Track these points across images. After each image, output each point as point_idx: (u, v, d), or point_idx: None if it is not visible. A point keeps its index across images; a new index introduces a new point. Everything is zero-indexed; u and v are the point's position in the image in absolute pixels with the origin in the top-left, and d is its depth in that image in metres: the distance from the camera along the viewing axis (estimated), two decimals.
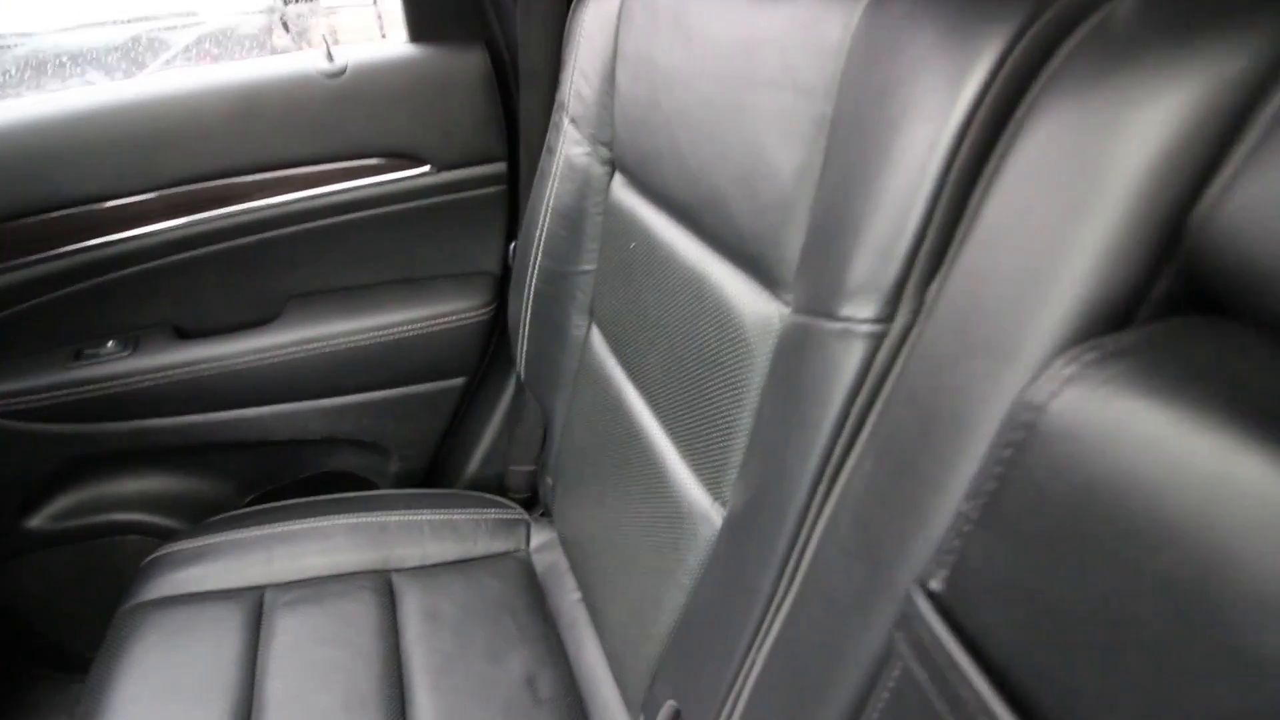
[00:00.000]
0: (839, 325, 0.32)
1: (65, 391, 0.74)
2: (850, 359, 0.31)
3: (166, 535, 0.78)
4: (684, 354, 0.48)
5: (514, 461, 0.93)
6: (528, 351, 0.79)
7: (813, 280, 0.35)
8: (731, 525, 0.41)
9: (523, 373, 0.81)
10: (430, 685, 0.64)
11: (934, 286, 0.29)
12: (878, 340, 0.31)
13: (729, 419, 0.43)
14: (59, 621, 0.84)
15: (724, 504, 0.45)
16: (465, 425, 0.97)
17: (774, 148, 0.38)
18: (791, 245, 0.38)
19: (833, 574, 0.30)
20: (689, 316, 0.48)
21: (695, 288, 0.47)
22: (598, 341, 0.68)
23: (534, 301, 0.75)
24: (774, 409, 0.37)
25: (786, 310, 0.38)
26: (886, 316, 0.30)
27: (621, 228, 0.61)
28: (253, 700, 0.59)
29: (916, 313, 0.30)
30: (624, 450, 0.59)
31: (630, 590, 0.57)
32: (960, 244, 0.27)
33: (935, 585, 0.24)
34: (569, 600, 0.76)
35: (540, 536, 0.84)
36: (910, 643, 0.24)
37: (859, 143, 0.32)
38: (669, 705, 0.50)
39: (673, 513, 0.50)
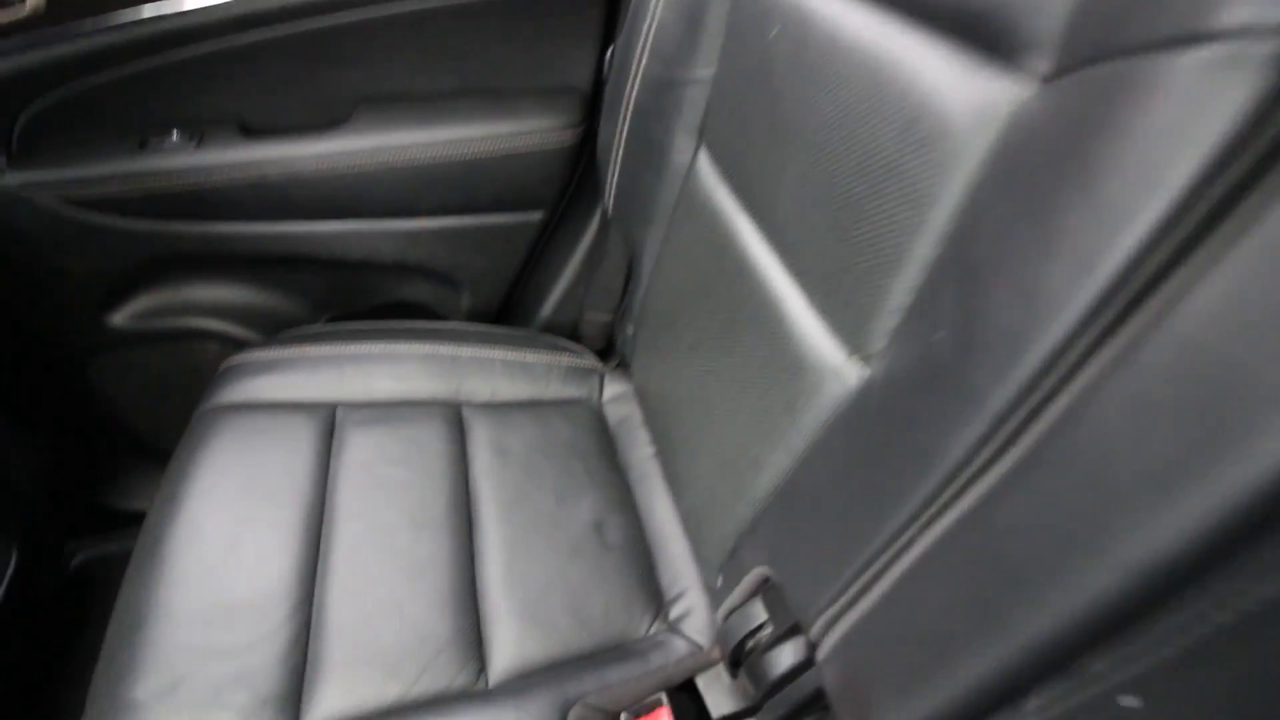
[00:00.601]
0: (1217, 50, 0.19)
1: (134, 183, 0.70)
2: (1233, 96, 0.18)
3: (243, 345, 0.77)
4: (837, 169, 0.38)
5: (590, 309, 0.86)
6: (618, 180, 0.69)
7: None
8: (889, 383, 0.32)
9: (610, 205, 0.72)
10: (498, 517, 0.62)
11: None
12: None
13: (896, 249, 0.33)
14: (143, 417, 0.87)
15: (865, 359, 0.36)
16: (541, 265, 0.90)
17: None
18: None
19: (1120, 438, 0.20)
20: (855, 116, 0.36)
21: (869, 75, 0.35)
22: (705, 168, 0.57)
23: (631, 116, 0.63)
24: (1005, 220, 0.26)
25: (1030, 79, 0.26)
26: None
27: (759, 11, 0.48)
28: (324, 508, 0.59)
29: None
30: (729, 293, 0.51)
31: (721, 448, 0.51)
32: None
33: None
34: (641, 454, 0.72)
35: (614, 388, 0.79)
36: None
37: None
38: (757, 572, 0.45)
39: (789, 366, 0.43)
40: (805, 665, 0.44)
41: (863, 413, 0.34)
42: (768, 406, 0.45)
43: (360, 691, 0.49)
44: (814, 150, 0.40)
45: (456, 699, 0.50)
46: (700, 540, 0.56)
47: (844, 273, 0.38)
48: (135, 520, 0.59)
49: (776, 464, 0.43)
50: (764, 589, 0.46)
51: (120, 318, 0.80)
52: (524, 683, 0.52)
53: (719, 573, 0.51)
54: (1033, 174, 0.24)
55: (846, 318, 0.38)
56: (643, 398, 0.73)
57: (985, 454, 0.23)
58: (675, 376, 0.61)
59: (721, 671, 0.56)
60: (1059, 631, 0.21)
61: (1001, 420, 0.22)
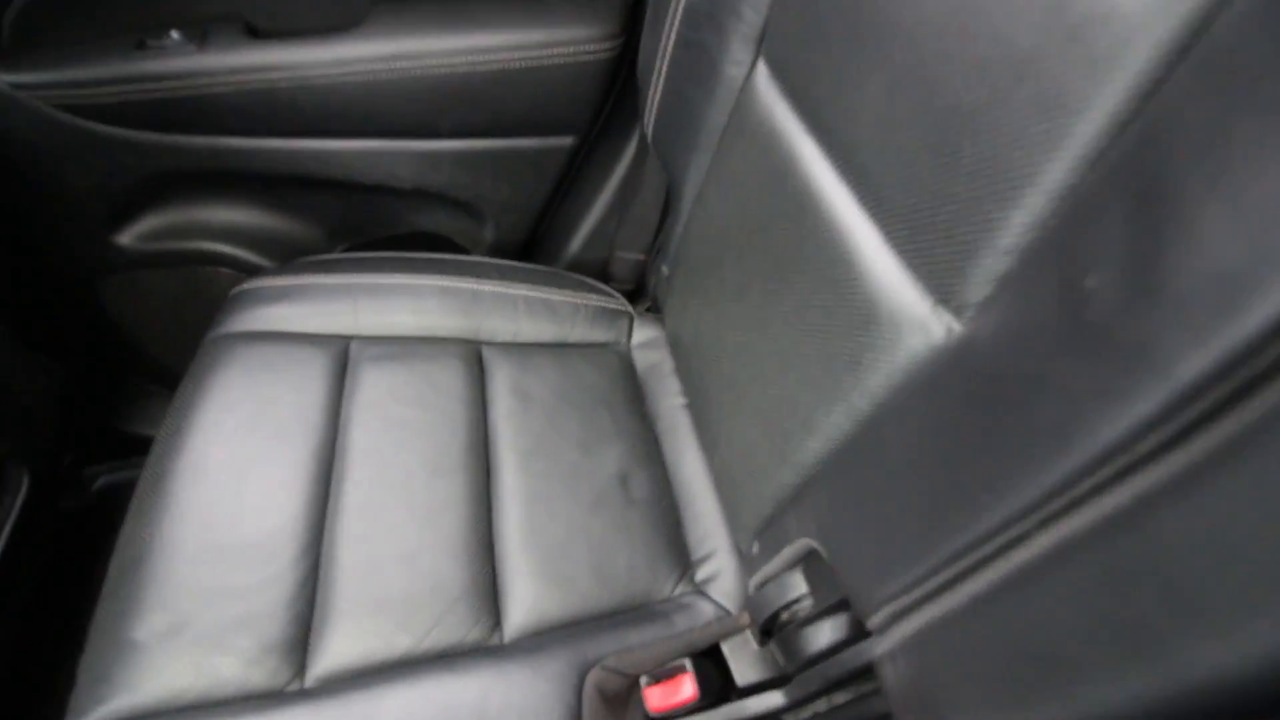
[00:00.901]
0: None
1: (132, 87, 0.65)
2: None
3: (255, 272, 0.73)
4: (944, 72, 0.30)
5: (621, 247, 0.80)
6: (661, 99, 0.61)
7: None
8: (1000, 340, 0.26)
9: (650, 127, 0.64)
10: (518, 465, 0.58)
11: None
12: None
13: (1019, 174, 0.27)
14: (154, 342, 0.85)
15: (958, 310, 0.30)
16: (570, 197, 0.83)
17: None
18: None
19: None
20: (973, 11, 0.29)
21: None
22: (764, 83, 0.49)
23: (680, 23, 0.55)
24: (1214, 124, 0.18)
25: None
26: None
27: None
28: (335, 447, 0.56)
29: None
30: (786, 229, 0.44)
31: (765, 405, 0.46)
32: None
33: None
34: (670, 404, 0.68)
35: (643, 333, 0.74)
36: None
37: None
38: (801, 543, 0.41)
39: (857, 316, 0.36)
40: (846, 644, 0.40)
41: (958, 375, 0.28)
42: (827, 361, 0.39)
43: (369, 641, 0.47)
44: (912, 50, 0.32)
45: (469, 654, 0.48)
46: (734, 502, 0.52)
47: (938, 205, 0.31)
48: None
49: (833, 427, 0.38)
50: (806, 561, 0.42)
51: (128, 238, 0.76)
52: (540, 640, 0.49)
53: (754, 538, 0.47)
54: (1264, 55, 0.17)
55: (937, 259, 0.31)
56: (675, 344, 0.67)
57: (1158, 437, 0.17)
58: (715, 322, 0.55)
59: (748, 638, 0.53)
60: (1248, 678, 0.16)
61: (1192, 396, 0.17)
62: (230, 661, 0.44)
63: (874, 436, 0.34)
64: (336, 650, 0.46)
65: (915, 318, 0.33)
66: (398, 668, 0.46)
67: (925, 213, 0.33)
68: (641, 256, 0.77)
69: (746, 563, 0.51)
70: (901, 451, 0.31)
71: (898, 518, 0.29)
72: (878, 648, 0.30)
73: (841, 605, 0.39)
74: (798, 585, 0.43)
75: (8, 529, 0.64)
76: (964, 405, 0.27)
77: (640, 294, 0.80)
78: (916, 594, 0.27)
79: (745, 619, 0.51)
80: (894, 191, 0.34)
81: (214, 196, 0.78)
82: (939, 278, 0.31)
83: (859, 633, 0.39)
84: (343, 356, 0.63)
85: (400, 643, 0.47)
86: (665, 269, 0.69)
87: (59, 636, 0.61)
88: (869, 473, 0.34)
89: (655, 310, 0.75)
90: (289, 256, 0.77)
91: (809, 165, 0.43)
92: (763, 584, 0.45)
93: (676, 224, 0.64)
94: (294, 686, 0.45)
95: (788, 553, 0.43)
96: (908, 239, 0.34)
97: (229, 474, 0.53)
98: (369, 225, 0.84)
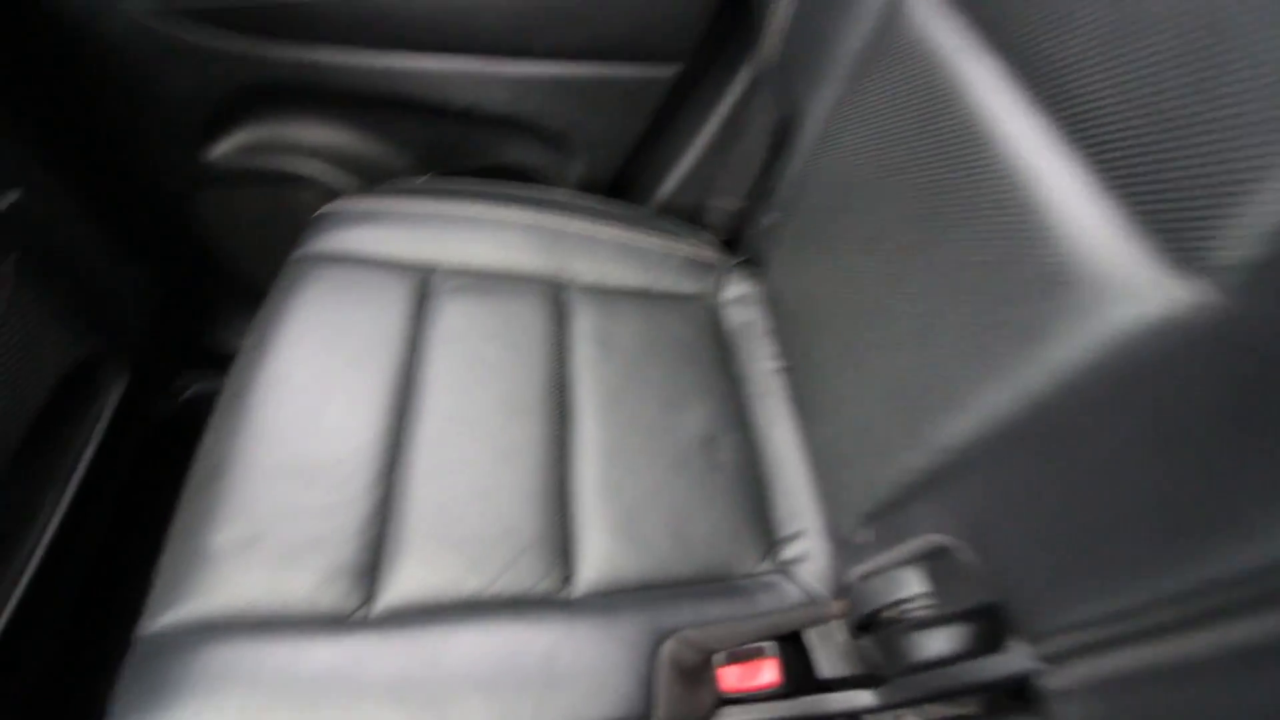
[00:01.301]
0: None
1: None
2: None
3: (341, 194, 0.71)
4: None
5: (720, 192, 0.74)
6: (783, 23, 0.54)
7: None
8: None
9: (768, 58, 0.57)
10: (597, 415, 0.55)
11: None
12: None
13: None
14: (243, 259, 0.85)
15: (1211, 272, 0.23)
16: (668, 134, 0.77)
17: None
18: None
19: None
20: None
21: None
22: None
23: None
24: None
25: None
26: None
27: None
28: (411, 377, 0.54)
29: None
30: (944, 171, 0.37)
31: (893, 375, 0.40)
32: None
33: None
34: (762, 368, 0.62)
35: (736, 288, 0.68)
36: None
37: None
38: (927, 540, 0.35)
39: (1044, 276, 0.30)
40: (966, 656, 0.35)
41: (1214, 356, 0.22)
42: (988, 329, 0.32)
43: (438, 578, 0.45)
44: None
45: (538, 605, 0.45)
46: (839, 481, 0.46)
47: (1186, 136, 0.24)
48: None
49: (991, 407, 0.32)
50: (931, 558, 0.36)
51: (220, 152, 0.75)
52: (612, 600, 0.46)
53: (864, 525, 0.41)
54: None
55: (1182, 208, 0.24)
56: (777, 302, 0.61)
57: None
58: (832, 279, 0.49)
59: (835, 629, 0.48)
60: None
61: None
62: (302, 579, 0.43)
63: (1058, 424, 0.28)
64: (405, 583, 0.45)
65: (1131, 280, 0.26)
66: (465, 609, 0.44)
67: (1161, 145, 0.25)
68: (740, 204, 0.71)
69: (846, 549, 0.46)
70: (1110, 447, 0.24)
71: (1101, 530, 0.24)
72: (1050, 680, 0.25)
73: (970, 615, 0.34)
74: (915, 583, 0.38)
75: (103, 425, 0.66)
76: (1223, 395, 0.20)
77: (735, 245, 0.73)
78: (1122, 629, 0.21)
79: (837, 608, 0.46)
80: (1121, 120, 0.27)
81: (304, 115, 0.76)
82: (1182, 231, 0.24)
83: (984, 647, 0.34)
84: (424, 286, 0.60)
85: (469, 583, 0.45)
86: (770, 218, 0.62)
87: (141, 541, 0.63)
88: (1051, 468, 0.28)
89: (752, 264, 0.69)
90: (376, 181, 0.75)
91: (982, 91, 0.35)
92: (869, 575, 0.40)
93: (791, 166, 0.57)
94: (361, 614, 0.44)
95: (910, 546, 0.37)
96: (1128, 179, 0.27)
97: (307, 394, 0.51)
98: (457, 155, 0.81)
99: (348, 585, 0.44)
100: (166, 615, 0.42)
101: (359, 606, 0.44)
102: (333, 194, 0.75)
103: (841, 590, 0.45)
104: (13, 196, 0.57)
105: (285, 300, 0.57)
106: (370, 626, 0.43)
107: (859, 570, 0.42)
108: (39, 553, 0.58)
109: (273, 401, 0.51)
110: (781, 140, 0.62)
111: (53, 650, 0.63)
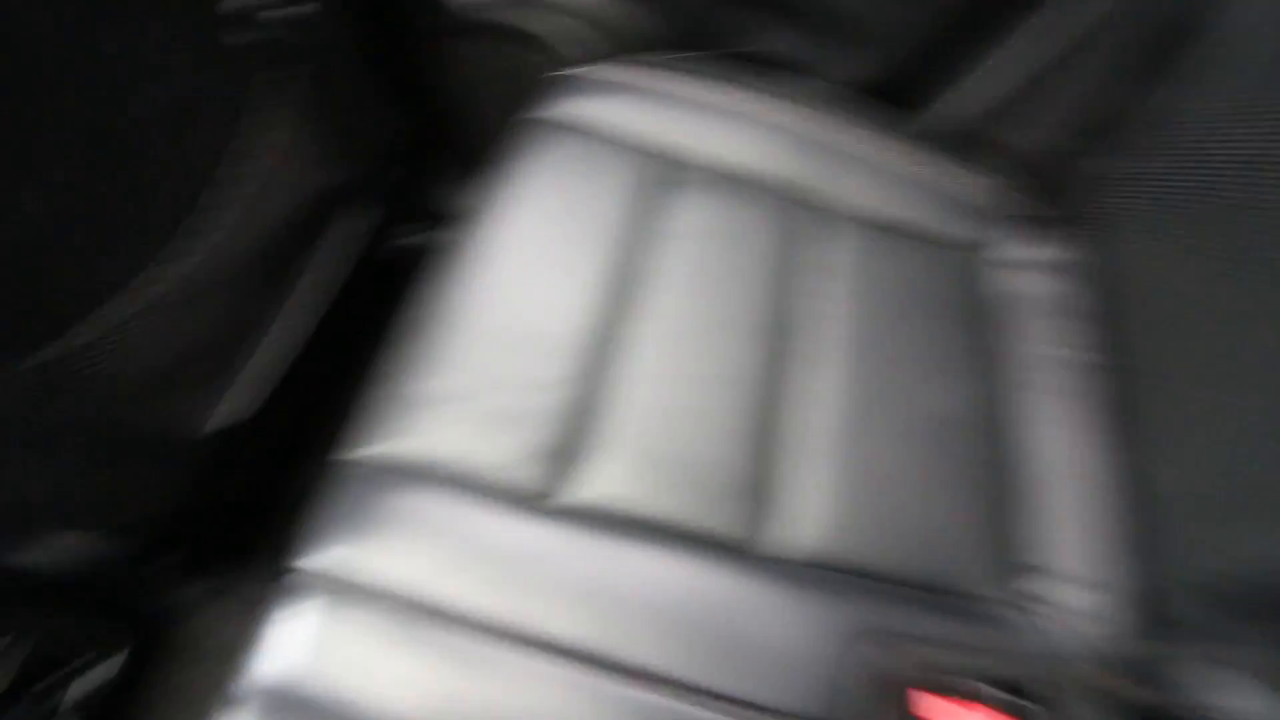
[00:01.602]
0: None
1: None
2: None
3: (582, 60, 0.66)
4: None
5: (1032, 122, 0.58)
6: None
7: None
8: None
9: None
10: (834, 363, 0.47)
11: None
12: None
13: None
14: (462, 117, 0.83)
15: None
16: (981, 30, 0.60)
17: None
18: None
19: None
20: None
21: None
22: None
23: None
24: None
25: None
26: None
27: None
28: (634, 268, 0.48)
29: None
30: None
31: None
32: None
33: None
34: (1042, 352, 0.50)
35: (1029, 249, 0.55)
36: None
37: None
38: None
39: None
40: None
41: None
42: None
43: (630, 489, 0.41)
44: None
45: (727, 550, 0.40)
46: (1176, 535, 0.35)
47: None
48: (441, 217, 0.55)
49: None
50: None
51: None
52: (808, 574, 0.40)
53: (1208, 604, 0.30)
54: None
55: None
56: (1115, 280, 0.48)
57: None
58: (1245, 266, 0.35)
59: (1068, 698, 0.38)
60: None
61: None
62: (500, 448, 0.41)
63: None
64: (597, 483, 0.41)
65: None
66: (652, 531, 0.40)
67: None
68: (1059, 138, 0.55)
69: (1152, 618, 0.35)
70: None
71: None
72: None
73: None
74: (1249, 696, 0.27)
75: (351, 256, 0.69)
76: None
77: (1043, 193, 0.58)
78: None
79: (1101, 679, 0.36)
80: None
81: None
82: None
83: None
84: (656, 175, 0.54)
85: (661, 505, 0.41)
86: (1111, 167, 0.47)
87: (341, 374, 0.66)
88: None
89: (1067, 222, 0.54)
90: (619, 52, 0.69)
91: None
92: (1189, 662, 0.30)
93: (1171, 101, 0.42)
94: (550, 502, 0.41)
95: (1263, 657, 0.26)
96: None
97: (527, 265, 0.48)
98: (713, 33, 0.71)
99: (540, 469, 0.42)
100: (357, 451, 0.42)
101: (546, 493, 0.41)
102: (572, 59, 0.70)
103: (1129, 664, 0.35)
104: (312, 6, 0.58)
105: (513, 164, 0.53)
106: (554, 518, 0.40)
107: (1189, 656, 0.31)
108: (286, 359, 0.62)
109: (491, 265, 0.48)
110: (1159, 60, 0.45)
111: (263, 459, 0.70)
